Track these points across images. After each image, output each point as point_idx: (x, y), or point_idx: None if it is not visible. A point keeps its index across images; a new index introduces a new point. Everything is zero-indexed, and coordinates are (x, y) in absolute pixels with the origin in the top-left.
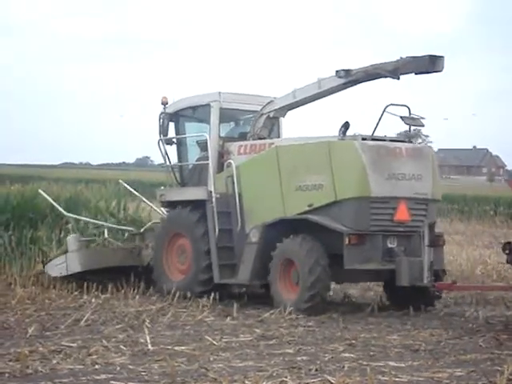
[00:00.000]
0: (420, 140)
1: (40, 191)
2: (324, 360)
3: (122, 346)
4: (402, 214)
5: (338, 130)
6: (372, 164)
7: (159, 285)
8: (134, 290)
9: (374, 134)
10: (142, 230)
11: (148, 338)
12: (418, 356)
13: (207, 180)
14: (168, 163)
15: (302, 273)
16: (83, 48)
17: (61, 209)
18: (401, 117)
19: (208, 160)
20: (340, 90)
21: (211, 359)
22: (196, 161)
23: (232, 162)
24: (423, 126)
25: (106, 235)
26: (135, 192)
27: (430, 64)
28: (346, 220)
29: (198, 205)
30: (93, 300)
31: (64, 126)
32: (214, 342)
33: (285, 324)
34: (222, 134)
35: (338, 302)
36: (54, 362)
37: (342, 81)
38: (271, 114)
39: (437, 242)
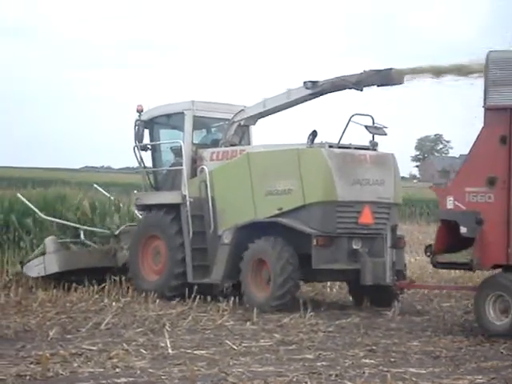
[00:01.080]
0: (441, 145)
1: (18, 195)
2: (344, 366)
3: (142, 350)
4: (366, 217)
5: (306, 138)
6: (338, 170)
7: (135, 284)
8: (154, 293)
9: (341, 142)
10: (116, 232)
11: (168, 342)
12: (438, 362)
13: (181, 185)
14: (143, 168)
15: (273, 272)
16: (98, 52)
17: (38, 212)
18: (365, 126)
19: (182, 166)
20: (308, 100)
21: (231, 364)
22: (170, 166)
23: (205, 167)
24: (386, 134)
25: (82, 237)
26: (110, 196)
27: (391, 77)
28: (314, 223)
29: (173, 208)
30: (113, 303)
31: (85, 129)
32: (234, 347)
33: (305, 329)
34: (196, 141)
35: (358, 307)
36: (75, 365)
37: (309, 91)
38: (242, 122)
39: (398, 243)
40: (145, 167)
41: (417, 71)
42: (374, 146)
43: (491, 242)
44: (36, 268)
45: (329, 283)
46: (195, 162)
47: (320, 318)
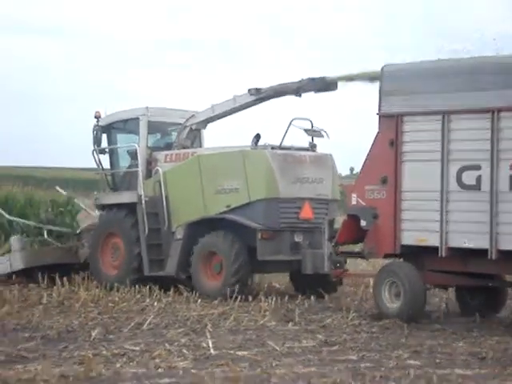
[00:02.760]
0: None
1: None
2: (388, 367)
3: (184, 350)
4: (307, 212)
5: (250, 140)
6: (280, 170)
7: (95, 278)
8: (195, 293)
9: (282, 144)
10: (78, 231)
11: (210, 343)
12: (484, 364)
13: (137, 185)
14: (101, 170)
15: (226, 262)
16: (147, 51)
17: (3, 212)
18: (304, 129)
19: (137, 167)
20: (253, 106)
21: (274, 365)
22: (127, 168)
23: (159, 169)
24: (323, 137)
25: (45, 236)
26: (70, 196)
27: (325, 84)
28: (259, 218)
29: (129, 207)
30: (155, 304)
31: None
32: (277, 348)
33: (348, 330)
34: (150, 144)
35: None
36: (118, 365)
37: (253, 97)
38: (193, 127)
39: (335, 236)
40: (103, 169)
41: (348, 78)
42: (313, 147)
43: (383, 234)
44: (2, 266)
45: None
46: (150, 163)
47: (363, 319)
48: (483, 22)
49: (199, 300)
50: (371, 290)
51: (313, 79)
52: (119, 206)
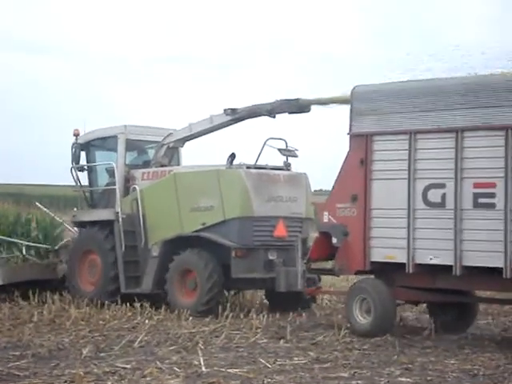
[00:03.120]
0: None
1: None
2: None
3: (175, 368)
4: (281, 230)
5: (226, 159)
6: (254, 188)
7: (72, 294)
8: (186, 311)
9: (257, 163)
10: (56, 247)
11: (202, 360)
12: (476, 381)
13: (115, 203)
14: (80, 188)
15: (200, 280)
16: (150, 67)
17: None
18: (278, 149)
19: (115, 185)
20: (229, 125)
21: (265, 382)
22: (105, 186)
23: (136, 186)
24: (297, 156)
25: (24, 252)
26: (50, 213)
27: (298, 106)
28: (233, 236)
29: (106, 224)
30: (146, 321)
31: None
32: (268, 365)
33: (339, 347)
34: (129, 162)
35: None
36: (109, 383)
37: (229, 117)
38: (171, 145)
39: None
40: (81, 186)
41: (321, 101)
42: (287, 166)
43: (353, 251)
44: None
45: None
46: (128, 181)
47: (355, 336)
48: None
49: (190, 318)
50: None
51: (287, 101)
52: (97, 223)
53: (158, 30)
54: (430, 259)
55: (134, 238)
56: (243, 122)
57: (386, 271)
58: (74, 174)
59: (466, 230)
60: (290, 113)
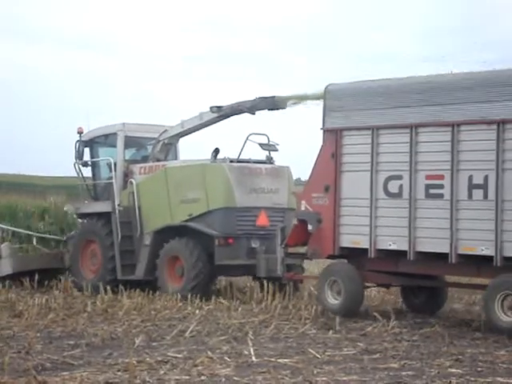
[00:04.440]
0: None
1: None
2: (430, 375)
3: (226, 358)
4: (262, 220)
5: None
6: (237, 181)
7: (76, 281)
8: (236, 302)
9: (241, 157)
10: (65, 238)
11: (252, 350)
12: None
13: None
14: (83, 182)
15: (187, 266)
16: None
17: None
18: (259, 144)
19: (114, 179)
20: (216, 122)
21: (315, 372)
22: (106, 180)
23: (133, 180)
24: (277, 150)
25: (34, 243)
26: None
27: (275, 103)
28: (217, 226)
29: (106, 216)
30: (197, 311)
31: None
32: (318, 355)
33: (388, 338)
34: (129, 158)
35: (442, 316)
36: (161, 372)
37: (215, 115)
38: (166, 141)
39: None
40: (84, 180)
41: (295, 97)
42: (270, 160)
43: (325, 237)
44: None
45: None
46: (127, 175)
47: (404, 327)
48: None
49: (240, 308)
50: None
51: (264, 98)
52: (97, 215)
53: (197, 27)
54: (389, 245)
55: (130, 229)
56: (228, 118)
57: (356, 256)
58: (77, 169)
59: (418, 218)
60: (269, 109)
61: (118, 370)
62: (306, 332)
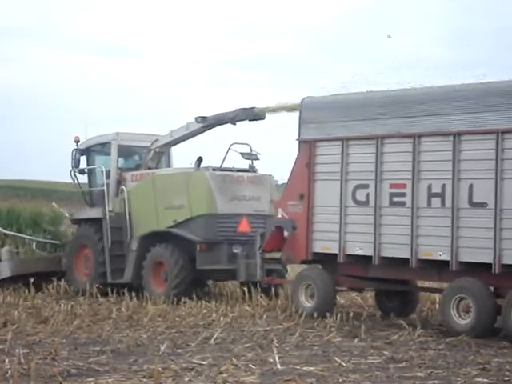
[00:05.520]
0: None
1: None
2: None
3: (251, 365)
4: (244, 226)
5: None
6: (218, 189)
7: (70, 285)
8: (261, 309)
9: (224, 166)
10: (63, 242)
11: (277, 358)
12: None
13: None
14: (79, 189)
15: (169, 271)
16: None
17: None
18: (240, 153)
19: (107, 186)
20: (203, 132)
21: (340, 380)
22: (101, 187)
23: (124, 187)
24: (258, 159)
25: (34, 247)
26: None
27: (254, 114)
28: (199, 232)
29: (98, 222)
30: (221, 318)
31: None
32: (343, 363)
33: (414, 347)
34: (123, 166)
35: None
36: (186, 379)
37: (201, 125)
38: (157, 150)
39: None
40: (80, 187)
41: (273, 109)
42: (252, 168)
43: (299, 243)
44: None
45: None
46: (120, 183)
47: (429, 336)
48: None
49: (264, 315)
50: (437, 307)
51: (244, 109)
52: (90, 220)
53: (234, 33)
54: (357, 250)
55: (120, 234)
56: (214, 128)
57: (329, 261)
58: (73, 176)
59: (383, 225)
60: (249, 120)
61: (144, 377)
62: (331, 340)
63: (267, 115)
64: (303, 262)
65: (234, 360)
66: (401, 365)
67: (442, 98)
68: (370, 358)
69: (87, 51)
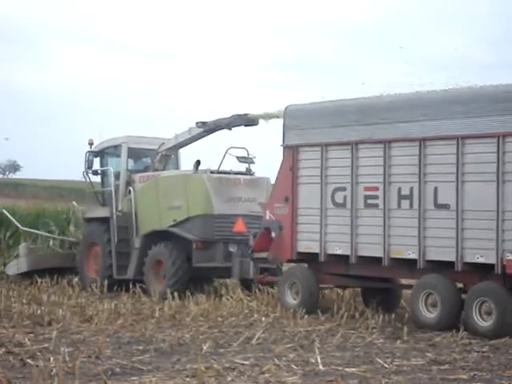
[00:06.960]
0: None
1: (3, 210)
2: None
3: (293, 366)
4: (239, 226)
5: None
6: (215, 190)
7: (81, 280)
8: (302, 310)
9: (222, 169)
10: (77, 240)
11: (318, 358)
12: None
13: (118, 202)
14: (92, 189)
15: (167, 268)
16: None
17: (17, 223)
18: (236, 157)
19: (118, 187)
20: (204, 136)
21: (383, 382)
22: (108, 188)
23: (131, 188)
24: (253, 163)
25: (51, 244)
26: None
27: (248, 120)
28: (196, 231)
29: (107, 220)
30: (263, 318)
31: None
32: (385, 365)
33: (457, 349)
34: (133, 167)
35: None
36: (229, 379)
37: (201, 130)
38: (164, 153)
39: None
40: (92, 187)
41: (263, 116)
42: (249, 171)
43: (285, 243)
44: (12, 268)
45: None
46: (129, 184)
47: (473, 338)
48: None
49: (306, 316)
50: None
51: (239, 115)
52: (99, 219)
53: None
54: (336, 250)
55: (126, 233)
56: (214, 133)
57: (313, 260)
58: (86, 177)
59: (359, 226)
60: (245, 126)
61: (187, 376)
62: (374, 341)
63: (260, 121)
64: (289, 261)
65: (276, 360)
66: (444, 367)
67: (409, 104)
68: (413, 359)
69: (142, 54)
